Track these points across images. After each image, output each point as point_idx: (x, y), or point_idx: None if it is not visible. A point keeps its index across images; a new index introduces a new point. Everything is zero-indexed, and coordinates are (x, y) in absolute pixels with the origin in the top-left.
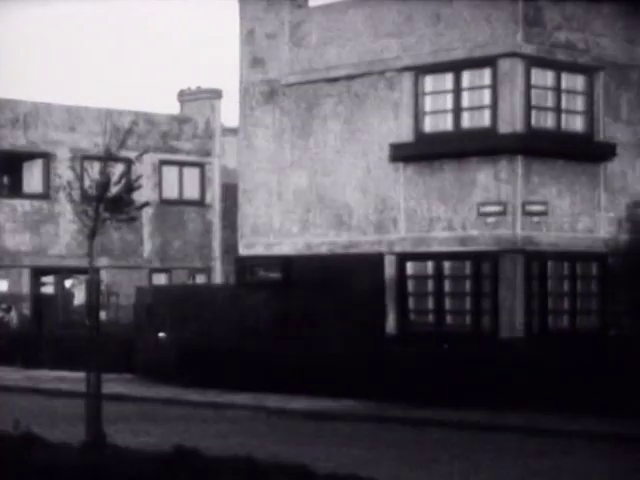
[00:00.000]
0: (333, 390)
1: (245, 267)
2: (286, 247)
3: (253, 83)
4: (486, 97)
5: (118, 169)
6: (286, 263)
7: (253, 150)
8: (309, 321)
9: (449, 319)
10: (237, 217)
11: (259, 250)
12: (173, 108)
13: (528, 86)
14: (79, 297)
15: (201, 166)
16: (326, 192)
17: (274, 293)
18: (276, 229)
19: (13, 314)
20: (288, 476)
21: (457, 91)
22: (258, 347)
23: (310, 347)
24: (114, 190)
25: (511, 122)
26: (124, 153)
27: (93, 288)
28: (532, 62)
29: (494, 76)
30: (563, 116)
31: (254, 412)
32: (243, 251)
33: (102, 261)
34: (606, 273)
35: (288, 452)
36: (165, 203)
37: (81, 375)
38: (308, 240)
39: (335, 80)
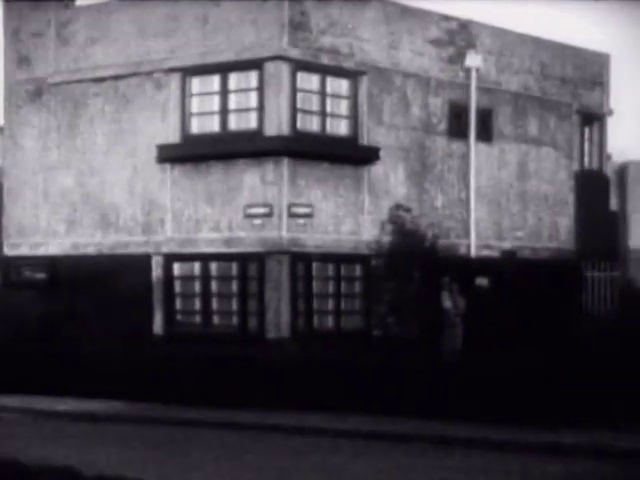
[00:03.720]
0: (101, 391)
1: (10, 267)
2: (52, 247)
3: (19, 82)
4: (253, 99)
5: None
6: (52, 263)
7: (19, 149)
8: (76, 321)
9: (216, 320)
10: (2, 217)
11: (25, 250)
12: None
13: (294, 89)
14: None
15: None
16: (93, 192)
17: (40, 293)
18: (42, 229)
19: None
20: (55, 479)
21: (224, 93)
22: (25, 348)
23: (77, 348)
24: None
25: (277, 125)
26: None
27: None
28: (298, 66)
29: (260, 79)
30: (328, 119)
31: (21, 415)
32: (8, 251)
33: None
34: (369, 274)
35: (55, 455)
36: None
37: None
38: (75, 240)
39: (102, 80)
